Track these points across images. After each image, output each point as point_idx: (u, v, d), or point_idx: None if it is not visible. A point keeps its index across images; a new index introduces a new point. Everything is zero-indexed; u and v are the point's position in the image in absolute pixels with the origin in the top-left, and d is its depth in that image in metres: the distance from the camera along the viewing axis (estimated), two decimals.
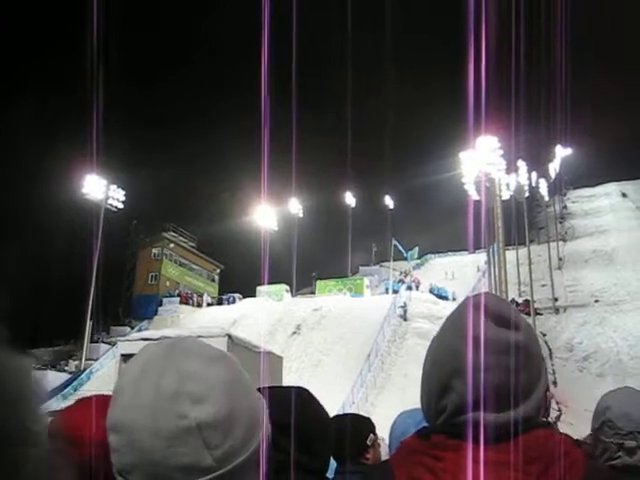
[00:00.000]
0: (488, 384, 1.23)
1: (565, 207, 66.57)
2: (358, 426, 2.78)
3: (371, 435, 2.79)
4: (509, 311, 1.31)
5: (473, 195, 39.50)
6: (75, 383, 35.53)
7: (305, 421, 1.19)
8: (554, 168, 61.93)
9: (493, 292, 32.43)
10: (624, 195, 67.50)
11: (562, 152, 66.46)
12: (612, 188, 71.04)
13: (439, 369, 1.30)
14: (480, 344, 1.25)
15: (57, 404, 29.88)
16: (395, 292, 43.06)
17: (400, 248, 51.60)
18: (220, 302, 49.29)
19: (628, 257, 46.21)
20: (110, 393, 1.08)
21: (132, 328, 43.34)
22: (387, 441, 2.57)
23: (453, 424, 1.26)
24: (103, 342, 40.95)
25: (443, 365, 1.29)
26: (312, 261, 54.74)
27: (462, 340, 1.26)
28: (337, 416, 2.67)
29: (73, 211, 42.72)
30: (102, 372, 35.47)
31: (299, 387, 1.52)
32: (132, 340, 22.79)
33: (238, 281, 50.85)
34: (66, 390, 34.22)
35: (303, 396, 1.44)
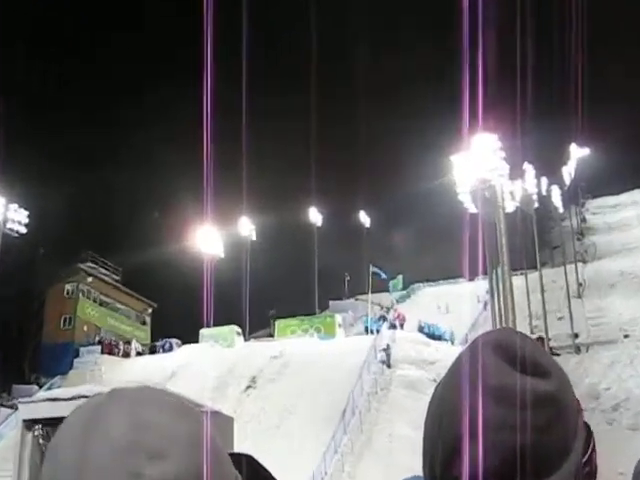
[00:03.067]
0: (510, 448, 1.19)
1: (584, 220, 67.11)
2: None
3: None
4: (535, 352, 1.27)
5: (469, 208, 39.68)
6: None
7: None
8: (569, 172, 62.46)
9: (498, 327, 34.22)
10: None
11: (578, 152, 67.08)
12: None
13: (445, 430, 1.25)
14: (498, 396, 1.21)
15: None
16: (375, 332, 43.23)
17: (380, 276, 51.50)
18: (153, 350, 49.03)
19: None
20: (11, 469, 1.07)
21: (40, 386, 42.71)
22: None
23: None
24: (3, 406, 40.24)
25: (450, 425, 1.24)
26: (269, 295, 54.44)
27: (474, 392, 1.22)
28: None
29: None
30: (2, 444, 34.56)
31: (240, 454, 1.48)
32: (36, 401, 21.96)
33: (175, 323, 50.29)
34: None
35: (247, 465, 1.41)
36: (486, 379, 1.22)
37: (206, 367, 40.85)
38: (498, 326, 34.58)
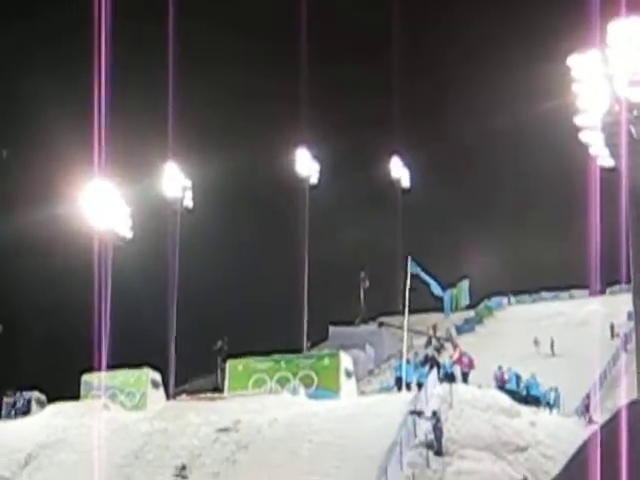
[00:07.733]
0: None
1: None
2: None
3: None
4: None
5: (600, 156, 30.37)
6: None
7: None
8: None
9: None
10: None
11: None
12: None
13: None
14: None
15: None
16: (415, 387, 34.42)
17: (426, 281, 40.30)
18: None
19: None
20: None
21: None
22: None
23: None
24: None
25: None
26: (217, 314, 43.43)
27: None
28: None
29: None
30: None
31: None
32: None
33: (36, 362, 40.43)
34: None
35: None
36: None
37: (92, 447, 31.13)
38: None
